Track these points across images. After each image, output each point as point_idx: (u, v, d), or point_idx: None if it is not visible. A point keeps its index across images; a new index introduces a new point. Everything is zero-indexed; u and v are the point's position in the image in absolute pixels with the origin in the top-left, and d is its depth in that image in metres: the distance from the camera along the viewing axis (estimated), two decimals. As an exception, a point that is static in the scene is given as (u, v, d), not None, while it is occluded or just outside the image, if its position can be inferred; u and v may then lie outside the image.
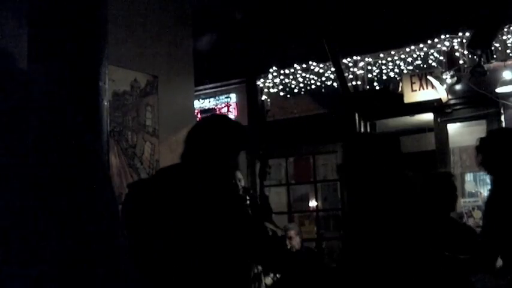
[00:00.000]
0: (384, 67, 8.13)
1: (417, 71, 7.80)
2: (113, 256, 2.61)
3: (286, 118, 8.78)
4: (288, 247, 6.37)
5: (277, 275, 6.01)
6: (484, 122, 7.60)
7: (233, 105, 9.49)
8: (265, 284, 5.78)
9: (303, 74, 8.83)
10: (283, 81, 9.00)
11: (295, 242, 6.56)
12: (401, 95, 7.70)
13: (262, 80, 9.23)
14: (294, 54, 9.07)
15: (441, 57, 7.74)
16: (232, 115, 9.47)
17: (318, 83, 8.68)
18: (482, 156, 3.30)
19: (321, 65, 8.66)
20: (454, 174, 4.35)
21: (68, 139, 2.68)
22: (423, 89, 7.59)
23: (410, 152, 9.62)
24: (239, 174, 5.02)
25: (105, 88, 2.80)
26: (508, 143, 3.21)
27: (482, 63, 6.64)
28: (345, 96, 8.13)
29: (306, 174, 9.46)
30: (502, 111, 7.28)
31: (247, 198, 5.39)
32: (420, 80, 7.61)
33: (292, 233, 6.56)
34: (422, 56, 7.85)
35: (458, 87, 7.60)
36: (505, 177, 3.12)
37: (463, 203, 7.13)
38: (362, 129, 8.30)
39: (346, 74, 8.20)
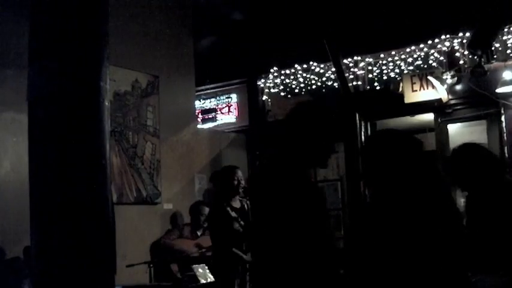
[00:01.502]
0: (384, 67, 8.13)
1: (417, 71, 7.80)
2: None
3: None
4: None
5: None
6: (484, 122, 7.60)
7: (234, 105, 9.49)
8: None
9: (304, 74, 8.84)
10: (284, 82, 9.01)
11: None
12: (401, 95, 7.70)
13: (263, 80, 9.23)
14: (294, 54, 9.07)
15: (441, 58, 7.74)
16: (233, 115, 9.48)
17: (319, 83, 8.68)
18: (452, 177, 3.33)
19: (322, 65, 8.66)
20: None
21: (69, 139, 2.69)
22: (423, 89, 7.59)
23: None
24: (239, 173, 5.01)
25: (106, 88, 2.80)
26: (472, 159, 3.21)
27: (482, 63, 6.63)
28: (345, 97, 8.13)
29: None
30: (502, 112, 7.28)
31: (247, 198, 5.39)
32: (421, 80, 7.61)
33: None
34: (422, 56, 7.85)
35: (458, 87, 7.60)
36: (478, 191, 3.15)
37: (463, 203, 7.13)
38: (362, 130, 8.31)
39: (346, 74, 8.20)
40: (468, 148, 3.33)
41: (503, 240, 3.01)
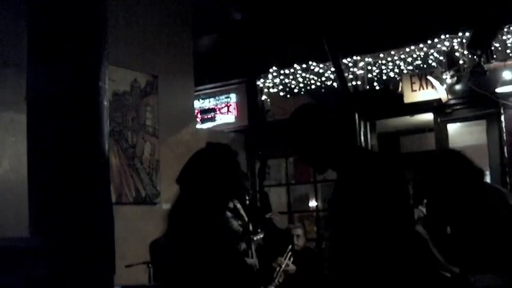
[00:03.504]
0: (383, 67, 8.13)
1: (417, 71, 7.80)
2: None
3: (287, 118, 8.76)
4: (296, 243, 6.46)
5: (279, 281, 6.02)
6: (484, 122, 7.60)
7: (233, 105, 9.49)
8: None
9: (303, 74, 8.83)
10: (283, 81, 9.00)
11: (302, 241, 6.63)
12: (401, 95, 7.70)
13: (262, 80, 9.23)
14: (294, 54, 9.06)
15: (441, 57, 7.73)
16: (232, 115, 9.47)
17: (318, 83, 8.68)
18: (415, 192, 3.30)
19: (321, 65, 8.65)
20: None
21: (68, 139, 2.68)
22: (423, 89, 7.58)
23: (410, 152, 9.63)
24: None
25: (105, 88, 2.80)
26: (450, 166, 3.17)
27: (482, 63, 6.63)
28: (345, 96, 8.13)
29: (306, 174, 9.46)
30: (501, 111, 7.28)
31: (247, 198, 5.40)
32: (420, 80, 7.61)
33: (299, 231, 6.67)
34: (422, 56, 7.85)
35: (458, 87, 7.60)
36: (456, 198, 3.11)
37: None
38: (362, 130, 8.30)
39: (346, 74, 8.20)
40: (446, 155, 3.30)
41: (485, 244, 3.01)
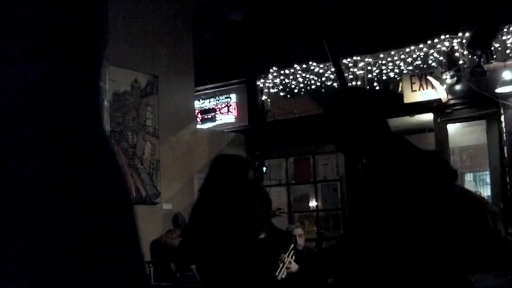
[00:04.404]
0: (383, 67, 8.13)
1: (417, 71, 7.81)
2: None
3: (287, 118, 8.79)
4: (298, 243, 6.48)
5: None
6: (484, 122, 7.60)
7: (233, 106, 9.49)
8: None
9: (303, 74, 8.84)
10: (283, 82, 9.01)
11: (302, 240, 6.64)
12: (401, 95, 7.71)
13: (262, 80, 9.23)
14: (294, 54, 9.07)
15: (441, 58, 7.74)
16: (232, 115, 9.48)
17: (318, 83, 8.69)
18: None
19: (321, 65, 8.66)
20: None
21: (67, 138, 2.69)
22: (423, 89, 7.59)
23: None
24: None
25: (105, 88, 2.80)
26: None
27: (482, 63, 6.63)
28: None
29: (306, 174, 9.46)
30: (501, 112, 7.28)
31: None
32: (420, 80, 7.61)
33: (300, 230, 6.69)
34: (422, 56, 7.85)
35: (458, 87, 7.60)
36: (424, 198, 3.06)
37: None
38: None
39: (346, 74, 8.20)
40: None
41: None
